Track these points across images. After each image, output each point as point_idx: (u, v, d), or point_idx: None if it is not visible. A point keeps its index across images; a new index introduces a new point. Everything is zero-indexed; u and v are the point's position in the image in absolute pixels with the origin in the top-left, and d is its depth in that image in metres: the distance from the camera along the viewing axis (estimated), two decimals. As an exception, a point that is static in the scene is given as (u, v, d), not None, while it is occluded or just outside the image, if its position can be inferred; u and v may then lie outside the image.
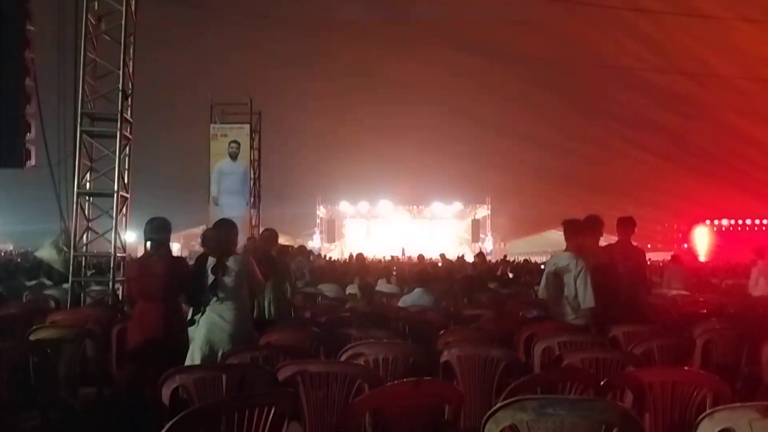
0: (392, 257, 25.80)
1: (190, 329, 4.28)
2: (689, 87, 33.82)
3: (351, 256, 19.03)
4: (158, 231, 4.26)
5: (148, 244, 4.26)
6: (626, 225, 5.70)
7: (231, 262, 4.20)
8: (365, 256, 14.52)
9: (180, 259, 4.70)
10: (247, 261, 4.41)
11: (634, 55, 37.38)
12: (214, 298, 4.14)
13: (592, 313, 4.79)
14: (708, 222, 34.33)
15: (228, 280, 4.16)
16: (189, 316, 4.29)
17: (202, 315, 4.16)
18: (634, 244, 5.98)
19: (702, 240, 31.76)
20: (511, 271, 14.26)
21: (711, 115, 35.64)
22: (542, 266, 16.74)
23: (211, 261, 4.20)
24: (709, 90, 32.94)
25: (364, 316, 5.37)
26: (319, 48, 39.30)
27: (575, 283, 4.82)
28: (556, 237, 40.14)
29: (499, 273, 13.44)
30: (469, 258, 19.51)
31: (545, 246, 39.07)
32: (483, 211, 39.63)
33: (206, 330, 4.12)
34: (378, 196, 39.53)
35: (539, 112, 39.94)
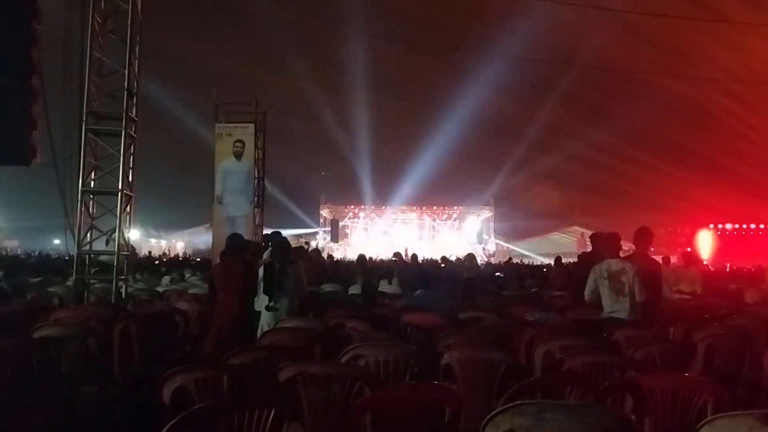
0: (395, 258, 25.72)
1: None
2: (694, 91, 33.69)
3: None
4: (239, 243, 5.75)
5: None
6: (643, 236, 5.97)
7: (288, 268, 5.66)
8: (367, 257, 14.53)
9: (252, 264, 5.80)
10: (298, 269, 5.79)
11: (640, 60, 37.27)
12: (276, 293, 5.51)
13: (644, 306, 5.38)
14: (711, 226, 34.21)
15: (285, 280, 5.59)
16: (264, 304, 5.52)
17: (274, 304, 5.48)
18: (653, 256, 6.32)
19: (705, 244, 31.64)
20: (509, 271, 14.27)
21: (715, 118, 35.48)
22: (545, 269, 16.79)
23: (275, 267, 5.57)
24: (713, 94, 32.82)
25: (365, 317, 5.38)
26: (325, 49, 39.32)
27: (634, 282, 5.36)
28: (559, 239, 40.18)
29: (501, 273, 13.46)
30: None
31: (549, 248, 39.02)
32: (486, 213, 39.60)
33: (270, 314, 5.47)
34: (381, 197, 39.51)
35: (544, 115, 39.84)
